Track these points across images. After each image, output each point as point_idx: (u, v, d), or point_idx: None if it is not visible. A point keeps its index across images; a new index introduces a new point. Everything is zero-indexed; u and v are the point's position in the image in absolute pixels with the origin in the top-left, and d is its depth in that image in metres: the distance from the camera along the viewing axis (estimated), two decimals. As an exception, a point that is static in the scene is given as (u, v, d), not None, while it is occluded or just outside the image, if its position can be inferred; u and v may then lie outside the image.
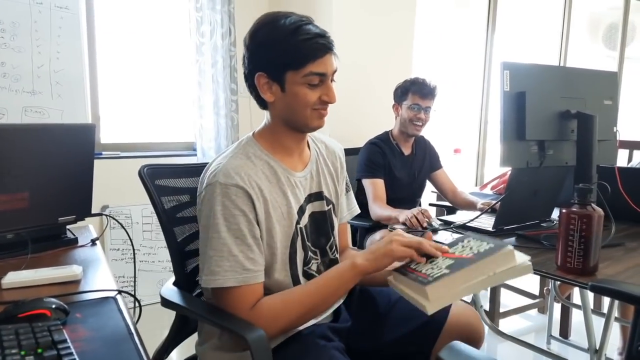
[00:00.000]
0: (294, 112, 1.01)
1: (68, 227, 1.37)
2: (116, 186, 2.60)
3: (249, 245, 0.97)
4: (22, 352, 0.64)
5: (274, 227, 1.01)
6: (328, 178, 1.16)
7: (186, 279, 1.19)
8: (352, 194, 1.29)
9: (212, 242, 0.96)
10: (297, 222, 1.05)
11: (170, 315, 1.22)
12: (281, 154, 1.06)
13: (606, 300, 2.47)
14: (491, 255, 0.87)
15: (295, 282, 1.05)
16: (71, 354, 0.65)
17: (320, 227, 1.12)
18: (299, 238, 1.06)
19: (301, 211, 1.07)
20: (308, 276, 1.08)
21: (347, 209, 1.26)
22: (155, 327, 1.37)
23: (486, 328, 2.40)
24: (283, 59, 0.97)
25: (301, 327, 1.03)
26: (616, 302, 1.53)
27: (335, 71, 1.02)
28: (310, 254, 1.09)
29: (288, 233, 1.04)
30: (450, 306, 1.13)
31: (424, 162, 2.30)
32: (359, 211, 1.30)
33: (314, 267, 1.10)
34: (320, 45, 0.97)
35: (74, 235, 1.37)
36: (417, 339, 1.12)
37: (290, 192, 1.05)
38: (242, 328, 0.90)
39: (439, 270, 0.89)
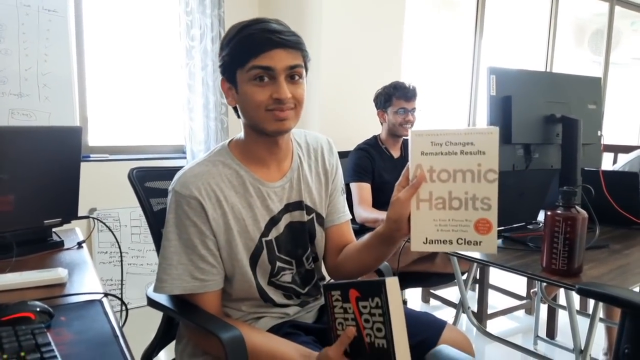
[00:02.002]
0: (248, 114, 0.97)
1: (54, 229, 1.36)
2: (104, 189, 2.58)
3: (201, 255, 0.97)
4: (5, 356, 0.64)
5: (234, 239, 0.99)
6: (313, 185, 1.11)
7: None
8: (344, 197, 1.25)
9: (163, 250, 0.97)
10: (263, 235, 1.02)
11: (157, 318, 1.22)
12: (255, 164, 1.03)
13: (591, 302, 2.50)
14: None
15: (261, 292, 1.04)
16: (55, 357, 0.64)
17: (297, 237, 1.08)
18: (264, 251, 1.03)
19: (272, 222, 1.04)
20: (276, 286, 1.07)
21: (342, 209, 1.20)
22: (143, 330, 1.36)
23: (474, 329, 2.43)
24: (230, 59, 0.95)
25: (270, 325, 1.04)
26: (601, 303, 1.55)
27: (292, 67, 0.94)
28: (281, 264, 1.06)
29: (250, 246, 1.01)
30: (441, 330, 1.09)
31: (413, 164, 2.32)
32: (349, 217, 1.23)
33: (287, 277, 1.08)
34: (265, 39, 0.91)
35: (60, 238, 1.35)
36: None
37: (260, 203, 1.02)
38: (217, 328, 0.90)
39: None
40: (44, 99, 2.41)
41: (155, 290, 0.98)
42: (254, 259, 1.02)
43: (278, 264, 1.06)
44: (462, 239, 0.88)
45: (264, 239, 1.03)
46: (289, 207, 1.07)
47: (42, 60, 2.39)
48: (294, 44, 0.94)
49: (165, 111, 2.93)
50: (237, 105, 1.00)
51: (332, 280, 1.19)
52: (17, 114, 2.36)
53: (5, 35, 2.29)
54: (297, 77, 0.96)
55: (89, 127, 2.66)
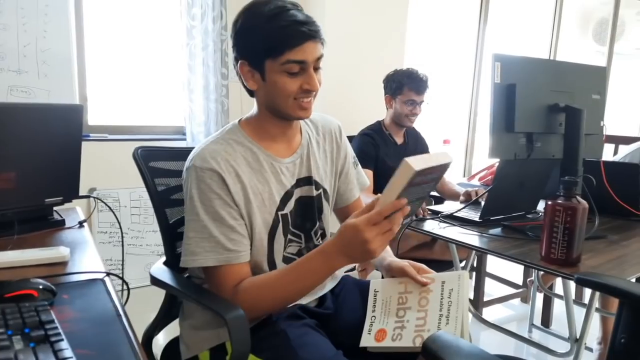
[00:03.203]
0: (275, 101, 1.00)
1: (55, 208, 1.36)
2: (104, 169, 2.57)
3: (230, 226, 0.98)
4: (9, 332, 0.64)
5: (254, 212, 1.01)
6: (320, 162, 1.15)
7: (175, 259, 1.19)
8: (360, 167, 1.29)
9: (192, 224, 0.98)
10: (279, 209, 1.05)
11: (158, 298, 1.23)
12: (267, 140, 1.06)
13: (587, 291, 2.53)
14: None
15: (272, 266, 1.06)
16: (59, 334, 0.64)
17: (306, 211, 1.12)
18: (280, 225, 1.06)
19: (287, 197, 1.07)
20: (287, 260, 1.09)
21: (356, 182, 1.26)
22: (143, 310, 1.37)
23: (470, 316, 2.45)
24: (261, 47, 0.96)
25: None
26: (597, 293, 1.57)
27: (319, 58, 0.98)
28: (291, 237, 1.09)
29: (267, 220, 1.04)
30: None
31: (416, 151, 2.32)
32: (368, 183, 1.31)
33: (293, 249, 1.11)
34: (299, 32, 0.93)
35: (61, 216, 1.35)
36: None
37: (274, 179, 1.05)
38: (221, 308, 0.93)
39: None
40: (43, 76, 2.39)
41: (186, 264, 0.98)
42: (272, 233, 1.05)
43: (289, 236, 1.09)
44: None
45: (280, 213, 1.06)
46: (299, 182, 1.10)
47: (41, 36, 2.35)
48: (319, 35, 0.97)
49: (165, 92, 2.90)
50: (258, 89, 1.02)
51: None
52: (16, 90, 2.34)
53: (3, 10, 2.25)
54: (319, 67, 1.00)
55: (88, 106, 2.64)
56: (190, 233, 0.98)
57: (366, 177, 1.31)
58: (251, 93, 1.06)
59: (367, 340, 1.01)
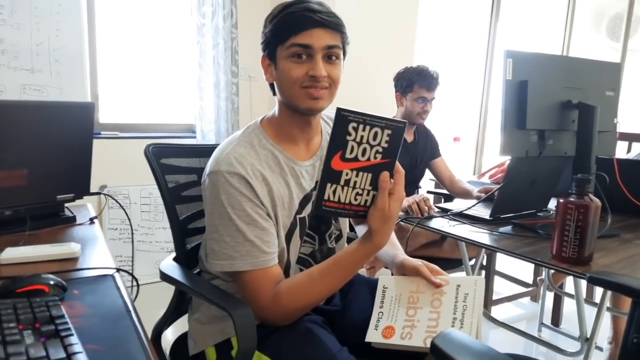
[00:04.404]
0: (284, 90, 1.00)
1: (66, 205, 1.37)
2: (114, 166, 2.60)
3: (263, 228, 0.97)
4: (20, 327, 0.65)
5: (278, 214, 1.02)
6: None
7: (186, 256, 1.21)
8: None
9: (226, 230, 0.96)
10: (297, 213, 1.05)
11: (167, 294, 1.23)
12: (286, 142, 1.05)
13: (598, 290, 2.50)
14: None
15: (287, 267, 1.07)
16: (69, 329, 0.65)
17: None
18: (297, 228, 1.06)
19: (305, 200, 1.07)
20: (300, 261, 1.09)
21: None
22: (152, 306, 1.38)
23: (479, 315, 2.44)
24: (271, 37, 0.98)
25: None
26: (609, 292, 1.55)
27: (331, 47, 0.97)
28: (306, 238, 1.09)
29: (286, 223, 1.04)
30: None
31: (426, 149, 2.31)
32: None
33: (306, 250, 1.10)
34: (307, 17, 0.94)
35: (72, 213, 1.36)
36: None
37: (294, 182, 1.05)
38: (228, 304, 0.93)
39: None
40: (56, 75, 2.42)
41: (222, 267, 0.97)
42: (289, 235, 1.05)
43: (304, 238, 1.09)
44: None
45: (298, 216, 1.06)
46: (317, 185, 1.08)
47: (53, 35, 2.38)
48: (334, 24, 0.97)
49: (175, 90, 2.92)
50: (275, 82, 1.02)
51: None
52: (29, 89, 2.37)
53: (17, 9, 2.28)
54: (334, 58, 0.99)
55: (100, 104, 2.67)
56: (227, 238, 0.96)
57: None
58: (273, 91, 1.06)
59: (374, 335, 1.00)
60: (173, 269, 1.14)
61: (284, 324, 0.98)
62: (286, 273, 1.07)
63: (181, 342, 1.17)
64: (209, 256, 1.01)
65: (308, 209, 1.07)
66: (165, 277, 1.12)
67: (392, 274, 1.16)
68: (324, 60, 0.97)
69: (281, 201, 1.02)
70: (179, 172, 1.23)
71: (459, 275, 2.30)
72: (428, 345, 0.91)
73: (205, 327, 1.07)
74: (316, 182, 1.08)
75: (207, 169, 1.01)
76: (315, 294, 0.99)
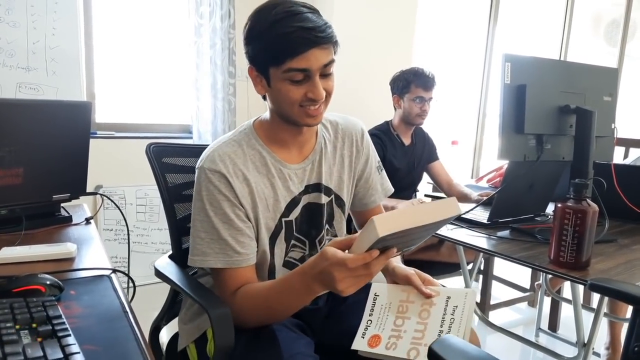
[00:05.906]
0: (281, 108, 0.98)
1: (62, 205, 1.36)
2: (110, 166, 2.59)
3: (238, 229, 0.97)
4: (17, 327, 0.64)
5: (259, 217, 1.01)
6: (335, 167, 1.12)
7: (181, 254, 1.22)
8: (385, 173, 1.25)
9: (203, 225, 0.98)
10: (283, 215, 1.04)
11: (163, 295, 1.24)
12: (277, 145, 1.04)
13: (596, 296, 2.50)
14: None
15: (272, 270, 1.06)
16: (66, 329, 0.64)
17: (313, 218, 1.09)
18: (283, 231, 1.05)
19: (293, 203, 1.05)
20: (288, 265, 1.08)
21: (380, 188, 1.22)
22: (148, 307, 1.37)
23: (476, 319, 2.44)
24: (263, 55, 0.93)
25: None
26: (606, 297, 1.55)
27: (326, 64, 0.93)
28: (295, 242, 1.08)
29: (270, 226, 1.03)
30: None
31: (423, 152, 2.31)
32: (392, 190, 1.26)
33: (296, 255, 1.09)
34: (302, 39, 0.88)
35: (68, 213, 1.35)
36: None
37: (281, 184, 1.03)
38: (207, 304, 0.94)
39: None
40: (52, 74, 2.40)
41: (195, 263, 0.99)
42: (273, 239, 1.04)
43: (292, 241, 1.08)
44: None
45: (284, 219, 1.05)
46: (308, 189, 1.08)
47: (50, 34, 2.37)
48: (328, 39, 0.92)
49: (172, 90, 2.91)
50: (267, 95, 1.00)
51: None
52: (24, 87, 2.35)
53: (13, 7, 2.27)
54: (329, 72, 0.96)
55: (96, 104, 2.65)
56: (202, 234, 0.98)
57: (389, 184, 1.25)
58: (263, 96, 1.04)
59: (360, 344, 0.98)
60: (166, 266, 1.16)
61: (238, 325, 0.95)
62: (271, 276, 1.06)
63: (176, 340, 1.17)
64: (189, 251, 1.02)
65: (296, 212, 1.06)
66: (158, 273, 1.15)
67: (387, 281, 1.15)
68: (320, 77, 0.94)
69: (264, 202, 1.01)
70: (178, 171, 1.24)
71: (455, 280, 2.31)
72: (411, 358, 0.90)
73: (186, 325, 1.08)
74: (306, 186, 1.07)
75: (196, 165, 1.02)
76: (264, 313, 0.95)
